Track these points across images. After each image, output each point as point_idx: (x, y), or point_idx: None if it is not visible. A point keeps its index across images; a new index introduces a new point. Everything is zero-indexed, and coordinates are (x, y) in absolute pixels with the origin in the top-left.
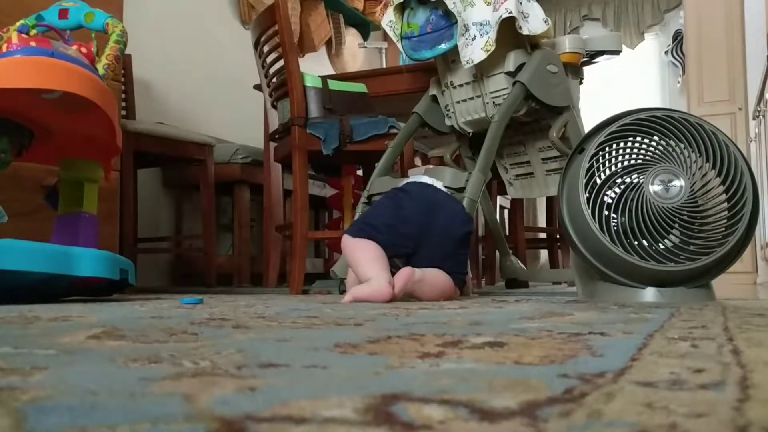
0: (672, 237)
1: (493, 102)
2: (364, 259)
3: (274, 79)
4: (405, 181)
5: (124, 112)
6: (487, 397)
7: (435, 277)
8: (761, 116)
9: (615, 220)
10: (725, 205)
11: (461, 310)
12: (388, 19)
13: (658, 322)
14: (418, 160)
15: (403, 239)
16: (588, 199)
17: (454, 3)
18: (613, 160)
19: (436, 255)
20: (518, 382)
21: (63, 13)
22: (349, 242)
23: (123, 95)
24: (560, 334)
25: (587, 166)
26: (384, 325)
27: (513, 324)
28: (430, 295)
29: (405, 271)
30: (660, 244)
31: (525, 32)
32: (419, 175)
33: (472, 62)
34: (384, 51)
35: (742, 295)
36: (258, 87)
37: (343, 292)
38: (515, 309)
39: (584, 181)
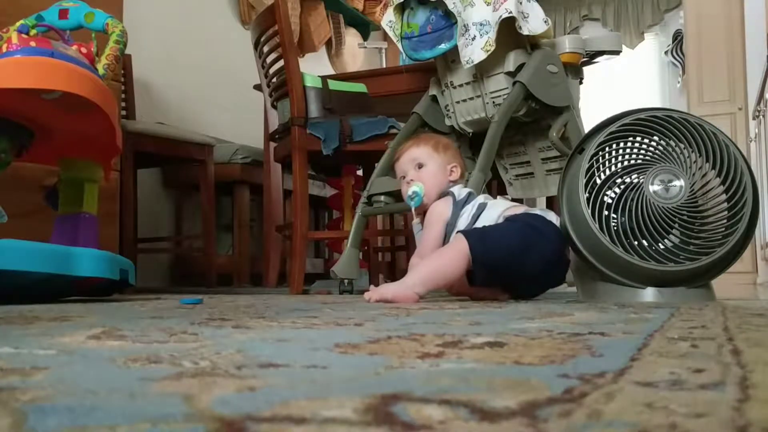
0: (672, 237)
1: (493, 102)
2: (432, 261)
3: (274, 79)
4: (537, 212)
5: (124, 112)
6: (487, 397)
7: None
8: (761, 116)
9: (615, 220)
10: (725, 205)
11: (461, 310)
12: (388, 19)
13: (658, 322)
14: None
15: (509, 275)
16: (588, 199)
17: (454, 3)
18: (613, 160)
19: (531, 291)
20: (518, 382)
21: (63, 13)
22: (459, 243)
23: (123, 95)
24: (560, 334)
25: (587, 166)
26: (384, 325)
27: (513, 324)
28: None
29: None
30: (660, 244)
31: (525, 32)
32: (549, 212)
33: (472, 62)
34: (384, 51)
35: (742, 295)
36: (258, 87)
37: (343, 292)
38: (515, 309)
39: (584, 181)
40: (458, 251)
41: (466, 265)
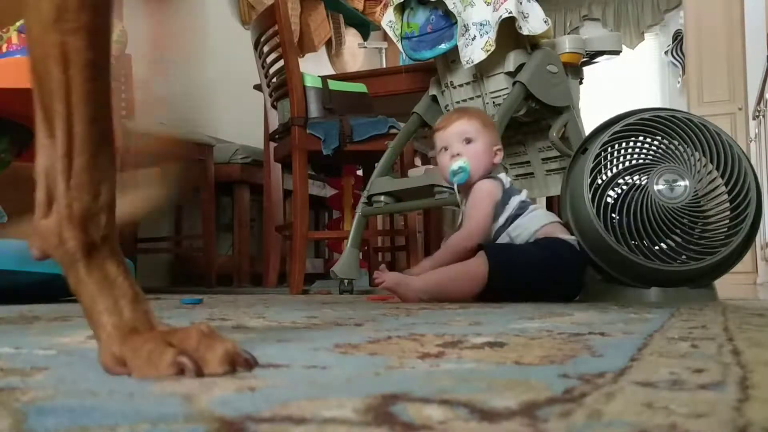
0: (675, 237)
1: (493, 102)
2: (447, 274)
3: (274, 79)
4: (570, 240)
5: (124, 112)
6: (487, 397)
7: None
8: (761, 116)
9: (616, 220)
10: (728, 205)
11: (461, 310)
12: (388, 19)
13: (658, 322)
14: (418, 160)
15: (523, 288)
16: (592, 199)
17: (454, 3)
18: (616, 160)
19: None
20: (518, 382)
21: None
22: (480, 266)
23: (123, 95)
24: (560, 334)
25: (591, 166)
26: (384, 325)
27: (513, 324)
28: None
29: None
30: (663, 244)
31: (525, 32)
32: (562, 230)
33: (472, 62)
34: (384, 51)
35: (742, 295)
36: (258, 87)
37: (343, 292)
38: (515, 309)
39: (588, 181)
40: (476, 274)
41: (480, 288)
